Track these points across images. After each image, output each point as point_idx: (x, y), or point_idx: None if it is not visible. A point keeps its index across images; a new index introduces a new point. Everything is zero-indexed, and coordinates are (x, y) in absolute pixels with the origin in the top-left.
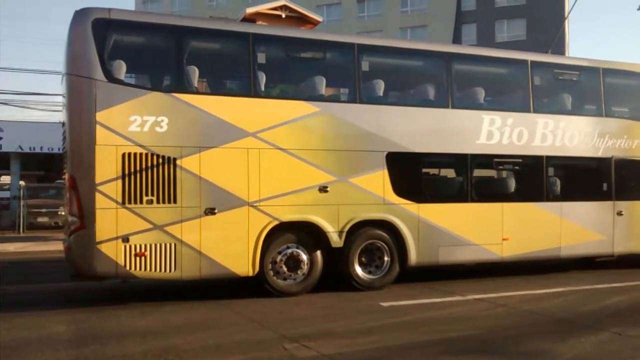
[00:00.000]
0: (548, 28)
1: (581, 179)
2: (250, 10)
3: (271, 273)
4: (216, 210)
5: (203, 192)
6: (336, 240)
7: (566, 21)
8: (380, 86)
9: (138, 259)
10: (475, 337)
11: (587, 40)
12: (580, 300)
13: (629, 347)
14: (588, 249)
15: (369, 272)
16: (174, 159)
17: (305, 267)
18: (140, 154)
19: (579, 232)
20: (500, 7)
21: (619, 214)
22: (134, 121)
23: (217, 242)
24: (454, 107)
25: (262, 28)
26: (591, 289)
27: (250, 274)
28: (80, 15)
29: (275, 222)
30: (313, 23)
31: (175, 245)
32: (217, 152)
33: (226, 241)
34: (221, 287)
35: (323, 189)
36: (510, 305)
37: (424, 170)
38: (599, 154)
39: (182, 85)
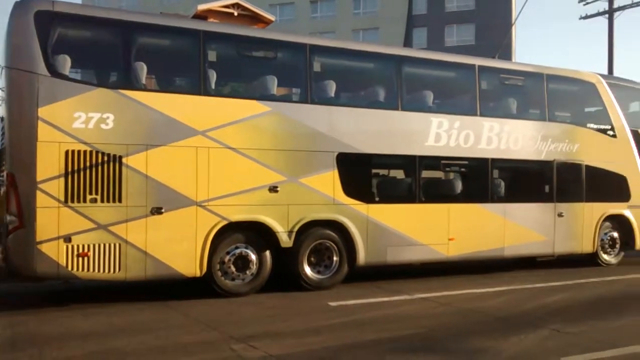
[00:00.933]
0: (496, 33)
1: (524, 181)
2: (201, 7)
3: (219, 273)
4: (163, 210)
5: (150, 191)
6: (286, 240)
7: (513, 27)
8: (331, 87)
9: (81, 259)
10: (419, 336)
11: (532, 47)
12: (521, 299)
13: (566, 343)
14: (530, 249)
15: (318, 272)
16: (120, 157)
17: (254, 267)
18: (85, 152)
19: (522, 232)
20: (450, 12)
21: (560, 215)
22: (78, 117)
23: (163, 242)
24: (403, 109)
25: (213, 25)
26: (532, 288)
27: (198, 274)
28: (21, 6)
29: (224, 222)
30: (265, 22)
31: (119, 245)
32: (164, 150)
33: (173, 241)
34: (168, 288)
35: (273, 189)
36: (453, 304)
37: (374, 171)
38: (542, 157)
39: (129, 82)
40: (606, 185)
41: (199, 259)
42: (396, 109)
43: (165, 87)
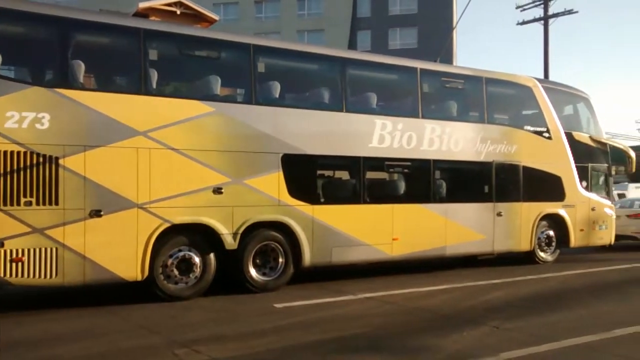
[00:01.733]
0: (438, 38)
1: (465, 182)
2: (143, 5)
3: (162, 277)
4: (102, 212)
5: (88, 193)
6: (230, 242)
7: (454, 31)
8: (276, 88)
9: (14, 264)
10: (363, 335)
11: (473, 51)
12: (462, 297)
13: (505, 339)
14: (471, 248)
15: (264, 274)
16: (56, 158)
17: (197, 270)
18: (18, 152)
19: (463, 232)
20: (394, 16)
21: (499, 214)
22: (11, 117)
23: (103, 246)
24: (347, 110)
25: (154, 24)
26: (473, 286)
27: (139, 278)
28: None
29: (167, 225)
30: (209, 21)
31: (56, 249)
32: (104, 151)
33: (113, 245)
34: (108, 293)
35: (217, 191)
36: (397, 302)
37: (319, 172)
38: (481, 159)
39: (66, 81)
40: (542, 185)
41: (140, 263)
42: (341, 110)
43: (105, 86)
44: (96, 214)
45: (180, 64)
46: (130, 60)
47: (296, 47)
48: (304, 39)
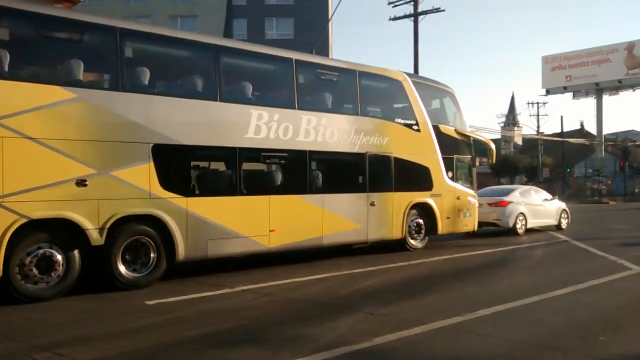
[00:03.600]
0: (314, 29)
1: (340, 172)
2: None
3: (18, 277)
4: None
5: None
6: (96, 238)
7: (330, 23)
8: (145, 74)
9: None
10: (240, 328)
11: (348, 44)
12: (339, 285)
13: (379, 324)
14: (347, 237)
15: (134, 270)
16: None
17: (60, 269)
18: None
19: (339, 221)
20: (270, 5)
21: (372, 204)
22: None
23: None
24: (222, 100)
25: (6, 1)
26: (349, 274)
27: None
28: None
29: (24, 220)
30: (72, 2)
31: None
32: None
33: None
34: None
35: (81, 183)
36: (275, 293)
37: (193, 163)
38: (355, 150)
39: None
40: (412, 175)
41: None
42: (215, 99)
43: None
44: None
45: (36, 46)
46: None
47: (167, 32)
48: (177, 25)
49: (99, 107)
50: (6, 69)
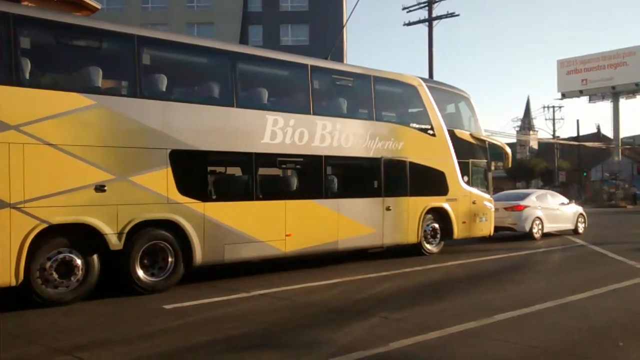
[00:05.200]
0: (328, 35)
1: (355, 177)
2: None
3: (39, 281)
4: None
5: None
6: (115, 243)
7: (344, 29)
8: (162, 81)
9: None
10: (257, 333)
11: (362, 49)
12: (354, 290)
13: (394, 329)
14: (362, 242)
15: (152, 275)
16: None
17: (79, 273)
18: None
19: (354, 226)
20: (285, 12)
21: (388, 209)
22: None
23: None
24: (238, 106)
25: (26, 10)
26: (364, 278)
27: (13, 283)
28: None
29: (44, 225)
30: (91, 10)
31: None
32: None
33: None
34: None
35: (100, 188)
36: (291, 298)
37: (210, 168)
38: (371, 155)
39: None
40: (427, 180)
41: (14, 267)
42: (231, 105)
43: None
44: None
45: (56, 54)
46: None
47: (185, 39)
48: (194, 31)
49: (118, 114)
50: (27, 76)
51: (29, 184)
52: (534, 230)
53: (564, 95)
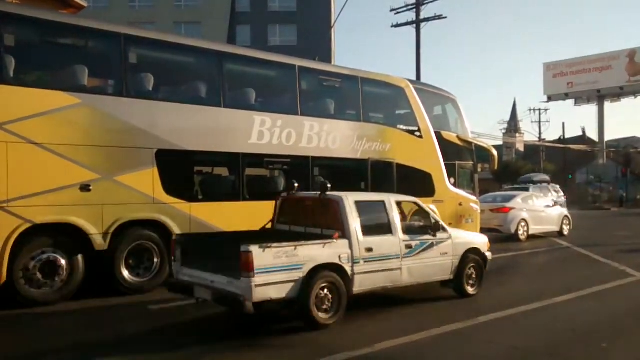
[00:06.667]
0: (317, 36)
1: (342, 178)
2: None
3: (22, 282)
4: None
5: None
6: (100, 243)
7: (332, 31)
8: (149, 80)
9: None
10: (241, 333)
11: (351, 51)
12: None
13: (378, 330)
14: None
15: (138, 275)
16: None
17: (64, 273)
18: None
19: None
20: (273, 12)
21: None
22: None
23: None
24: (226, 106)
25: (11, 7)
26: None
27: None
28: None
29: (28, 225)
30: (76, 7)
31: None
32: None
33: None
34: None
35: (85, 188)
36: None
37: (196, 168)
38: (358, 156)
39: None
40: (414, 181)
41: None
42: (219, 105)
43: None
44: None
45: (41, 52)
46: None
47: (172, 38)
48: (181, 31)
49: (104, 113)
50: (11, 74)
51: (13, 183)
52: (520, 232)
53: (550, 98)
